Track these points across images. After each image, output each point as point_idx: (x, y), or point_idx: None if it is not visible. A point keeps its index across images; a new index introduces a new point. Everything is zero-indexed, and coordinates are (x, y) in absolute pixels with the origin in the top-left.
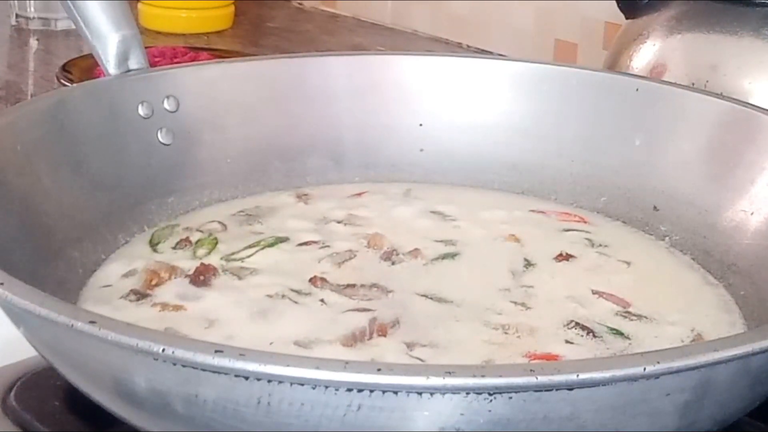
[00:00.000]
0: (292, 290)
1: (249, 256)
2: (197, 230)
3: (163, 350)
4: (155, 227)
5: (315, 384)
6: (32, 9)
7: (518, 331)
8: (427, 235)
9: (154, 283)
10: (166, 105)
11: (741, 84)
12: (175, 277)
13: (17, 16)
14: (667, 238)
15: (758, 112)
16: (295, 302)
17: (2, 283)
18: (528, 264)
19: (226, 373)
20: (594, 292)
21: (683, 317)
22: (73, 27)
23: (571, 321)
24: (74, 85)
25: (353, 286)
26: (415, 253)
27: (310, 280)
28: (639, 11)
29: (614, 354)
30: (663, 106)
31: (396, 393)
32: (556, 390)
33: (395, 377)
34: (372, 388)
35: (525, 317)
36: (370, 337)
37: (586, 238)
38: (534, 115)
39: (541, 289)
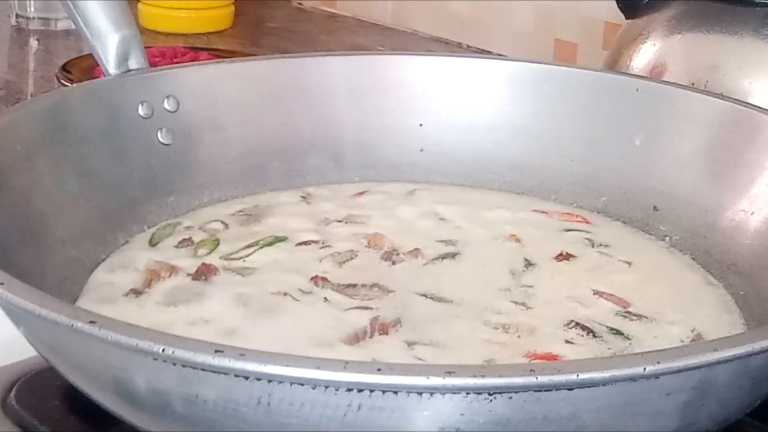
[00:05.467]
0: (294, 289)
1: (248, 255)
2: (199, 229)
3: (163, 350)
4: (155, 227)
5: (315, 384)
6: (32, 9)
7: (518, 330)
8: (428, 235)
9: (154, 282)
10: (166, 105)
11: (741, 84)
12: (175, 277)
13: (17, 16)
14: (667, 238)
15: (758, 112)
16: (297, 300)
17: (2, 283)
18: (528, 264)
19: (226, 373)
20: (594, 292)
21: (683, 317)
22: (73, 27)
23: (572, 321)
24: (74, 85)
25: (354, 285)
26: (415, 252)
27: (312, 279)
28: (639, 11)
29: (614, 354)
30: (663, 106)
31: (396, 393)
32: (556, 390)
33: (395, 377)
34: (372, 388)
35: (525, 317)
36: (372, 336)
37: (587, 238)
38: (534, 115)
39: (541, 288)
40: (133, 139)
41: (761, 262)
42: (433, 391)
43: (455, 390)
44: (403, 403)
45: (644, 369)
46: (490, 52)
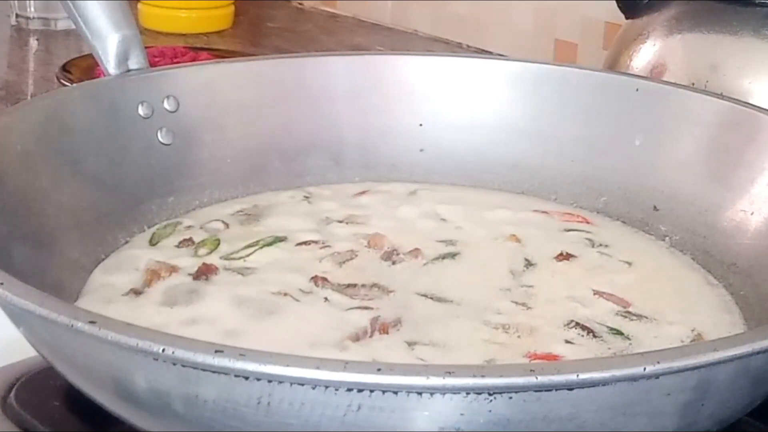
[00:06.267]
0: (294, 289)
1: (249, 255)
2: (200, 228)
3: (163, 350)
4: (155, 227)
5: (315, 384)
6: (32, 9)
7: (518, 330)
8: (428, 234)
9: (154, 282)
10: (166, 105)
11: (741, 84)
12: (175, 277)
13: (17, 16)
14: (667, 238)
15: (758, 112)
16: (297, 300)
17: (2, 283)
18: (528, 264)
19: (226, 373)
20: (594, 292)
21: (683, 317)
22: (73, 27)
23: (572, 321)
24: (74, 85)
25: (354, 285)
26: (415, 252)
27: (312, 279)
28: (639, 11)
29: (614, 354)
30: (663, 106)
31: (396, 393)
32: (556, 390)
33: (395, 377)
34: (372, 388)
35: (525, 317)
36: (372, 335)
37: (587, 238)
38: (534, 115)
39: (541, 288)
40: (133, 139)
41: (761, 262)
42: (433, 391)
43: (455, 390)
44: (403, 403)
45: (644, 369)
46: (490, 52)
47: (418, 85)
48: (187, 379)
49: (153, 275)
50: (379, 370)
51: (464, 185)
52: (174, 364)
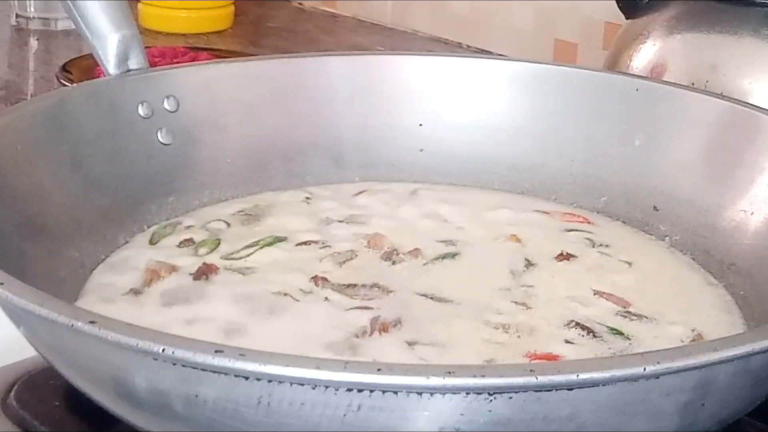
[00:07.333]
0: (294, 289)
1: (249, 255)
2: (200, 228)
3: (163, 350)
4: (155, 226)
5: (315, 384)
6: (32, 9)
7: (518, 330)
8: (428, 234)
9: (154, 282)
10: (166, 105)
11: (741, 84)
12: (175, 276)
13: (17, 16)
14: (667, 238)
15: (758, 112)
16: (297, 300)
17: (2, 283)
18: (528, 264)
19: (226, 373)
20: (594, 292)
21: (683, 317)
22: (73, 27)
23: (572, 321)
24: (74, 85)
25: (354, 285)
26: (415, 252)
27: (312, 278)
28: (639, 11)
29: (614, 354)
30: (663, 106)
31: (396, 393)
32: (556, 390)
33: (395, 377)
34: (372, 388)
35: (525, 317)
36: (372, 335)
37: (587, 238)
38: (534, 115)
39: (541, 288)
40: (133, 139)
41: (761, 262)
42: (433, 391)
43: (455, 390)
44: (403, 403)
45: (644, 369)
46: (490, 52)
47: (418, 85)
48: (187, 379)
49: (153, 275)
50: (379, 370)
51: (464, 185)
52: (174, 364)
